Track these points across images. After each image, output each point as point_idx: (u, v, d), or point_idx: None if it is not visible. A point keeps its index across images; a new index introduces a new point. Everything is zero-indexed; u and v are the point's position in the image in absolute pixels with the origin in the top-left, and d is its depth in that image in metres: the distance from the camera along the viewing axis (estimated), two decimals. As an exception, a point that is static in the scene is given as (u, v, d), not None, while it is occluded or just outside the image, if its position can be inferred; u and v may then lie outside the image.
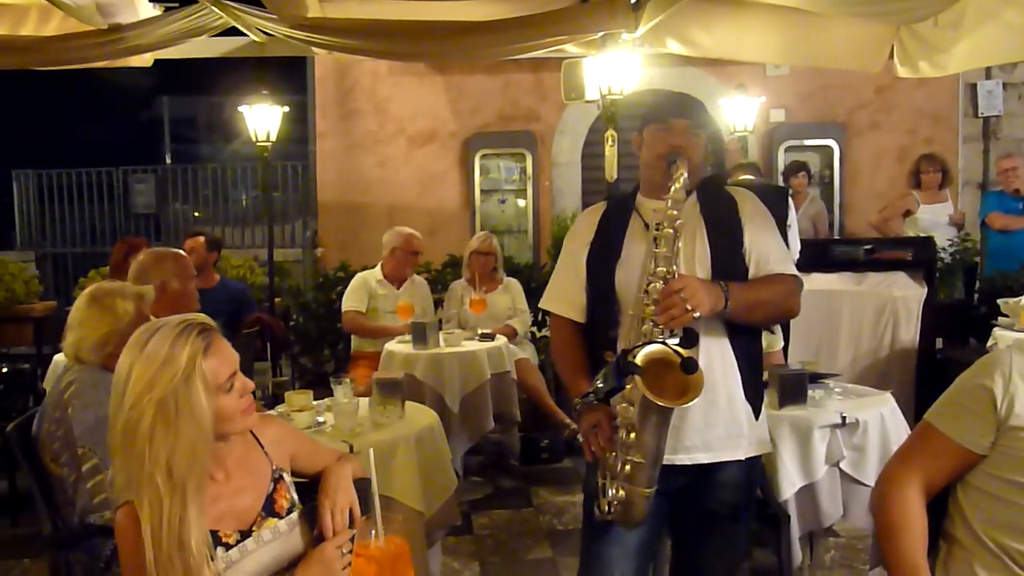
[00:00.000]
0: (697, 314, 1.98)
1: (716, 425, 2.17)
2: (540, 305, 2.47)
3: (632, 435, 1.98)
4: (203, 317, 1.69)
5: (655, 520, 2.17)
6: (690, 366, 1.88)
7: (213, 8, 4.12)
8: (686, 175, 2.13)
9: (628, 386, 1.95)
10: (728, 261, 2.19)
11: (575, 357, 2.32)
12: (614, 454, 2.03)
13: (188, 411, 1.58)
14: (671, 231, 2.08)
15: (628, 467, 2.00)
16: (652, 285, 2.05)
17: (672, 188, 2.12)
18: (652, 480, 2.02)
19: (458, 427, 4.50)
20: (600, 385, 1.95)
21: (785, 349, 4.20)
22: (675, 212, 2.09)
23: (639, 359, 1.91)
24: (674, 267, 2.06)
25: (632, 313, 2.11)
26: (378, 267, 5.44)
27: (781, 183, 7.44)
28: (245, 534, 1.73)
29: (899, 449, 1.91)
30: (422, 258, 6.50)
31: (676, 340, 1.98)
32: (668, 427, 2.00)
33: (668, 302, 1.98)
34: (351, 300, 5.35)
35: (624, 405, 2.01)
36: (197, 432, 1.59)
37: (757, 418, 2.26)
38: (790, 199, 5.19)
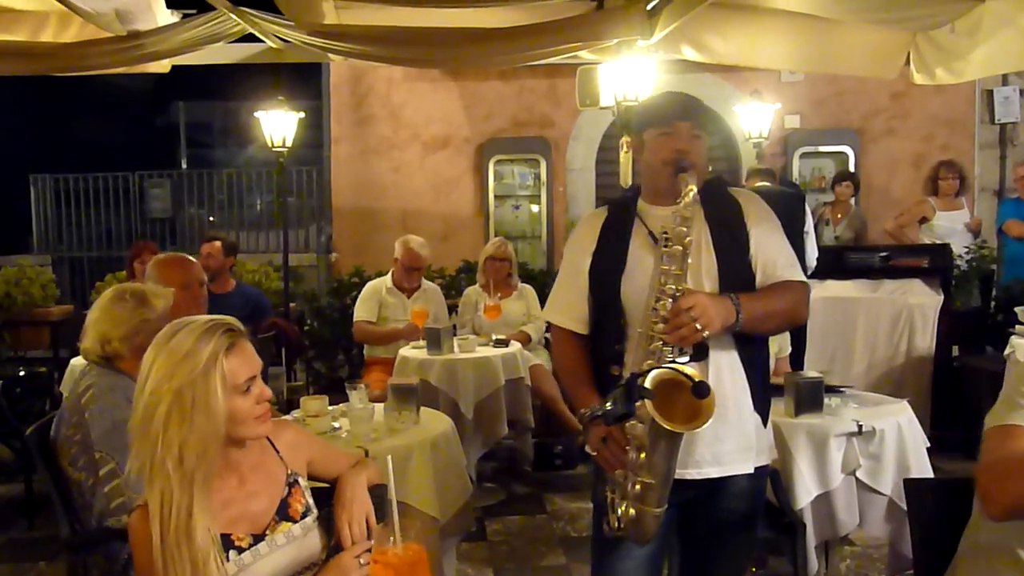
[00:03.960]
0: (707, 332, 1.95)
1: (726, 439, 2.14)
2: (542, 315, 2.43)
3: (642, 455, 1.95)
4: (231, 319, 1.72)
5: (665, 531, 2.13)
6: (702, 390, 1.84)
7: (231, 15, 4.15)
8: (695, 191, 2.07)
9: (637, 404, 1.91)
10: (735, 270, 2.14)
11: (579, 369, 2.27)
12: (624, 473, 2.00)
13: (203, 404, 1.60)
14: (680, 248, 2.03)
15: (638, 487, 1.97)
16: (661, 303, 2.00)
17: (682, 203, 2.06)
18: (663, 499, 1.99)
19: (472, 433, 4.50)
20: (609, 408, 1.90)
21: (801, 357, 4.18)
22: (684, 229, 2.04)
23: (649, 383, 1.87)
24: (684, 284, 2.01)
25: (640, 331, 2.06)
26: (389, 274, 5.42)
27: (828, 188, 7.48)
28: (258, 538, 1.74)
29: (984, 461, 1.68)
30: (436, 264, 6.52)
31: (686, 357, 1.95)
32: (679, 449, 1.96)
33: (677, 321, 1.94)
34: (361, 310, 5.33)
35: (633, 422, 1.96)
36: (209, 426, 1.61)
37: (765, 425, 2.23)
38: (807, 207, 5.19)
